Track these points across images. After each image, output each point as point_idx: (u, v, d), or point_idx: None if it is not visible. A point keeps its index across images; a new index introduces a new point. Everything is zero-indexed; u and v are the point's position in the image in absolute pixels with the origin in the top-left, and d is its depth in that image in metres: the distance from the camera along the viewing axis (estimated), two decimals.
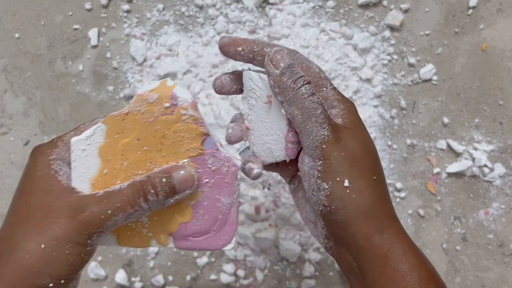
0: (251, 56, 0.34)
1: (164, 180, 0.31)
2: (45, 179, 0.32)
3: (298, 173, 0.35)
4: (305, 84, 0.31)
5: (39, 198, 0.31)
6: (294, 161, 0.35)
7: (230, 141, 0.35)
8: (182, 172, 0.32)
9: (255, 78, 0.33)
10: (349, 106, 0.34)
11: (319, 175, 0.31)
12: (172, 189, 0.32)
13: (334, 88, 0.34)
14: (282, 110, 0.32)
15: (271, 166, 0.37)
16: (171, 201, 0.32)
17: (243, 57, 0.35)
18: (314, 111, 0.31)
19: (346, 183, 0.31)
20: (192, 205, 0.33)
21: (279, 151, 0.34)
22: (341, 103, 0.34)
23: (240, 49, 0.34)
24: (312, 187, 0.32)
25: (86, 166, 0.32)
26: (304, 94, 0.31)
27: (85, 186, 0.33)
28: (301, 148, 0.33)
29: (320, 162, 0.31)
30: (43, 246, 0.30)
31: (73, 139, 0.32)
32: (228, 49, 0.35)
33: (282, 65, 0.31)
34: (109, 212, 0.31)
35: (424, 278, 0.31)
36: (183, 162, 0.32)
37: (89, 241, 0.31)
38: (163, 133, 0.32)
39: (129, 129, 0.32)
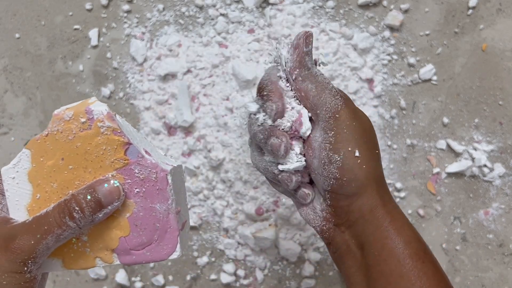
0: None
1: (89, 196, 0.31)
2: None
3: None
4: (317, 67, 0.35)
5: None
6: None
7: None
8: (106, 185, 0.31)
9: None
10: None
11: (331, 146, 0.33)
12: (98, 203, 0.31)
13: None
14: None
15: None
16: (100, 215, 0.31)
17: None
18: (327, 85, 0.33)
19: (357, 153, 0.33)
20: (128, 218, 0.32)
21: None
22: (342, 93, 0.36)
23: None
24: (323, 161, 0.33)
25: (19, 194, 0.32)
26: (317, 72, 0.34)
27: (21, 214, 0.32)
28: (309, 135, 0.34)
29: (333, 132, 0.33)
30: None
31: (2, 169, 0.32)
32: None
33: (310, 46, 0.34)
34: (38, 236, 0.30)
35: (420, 250, 0.33)
36: (111, 175, 0.32)
37: (25, 269, 0.30)
38: (85, 149, 0.32)
39: (52, 150, 0.32)
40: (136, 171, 0.32)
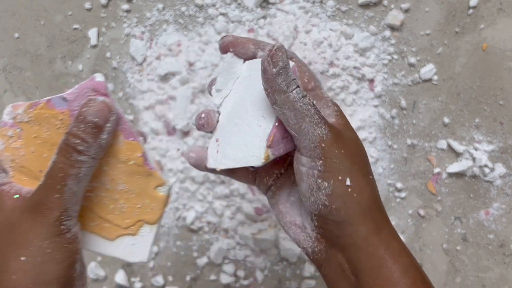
0: (250, 53, 0.34)
1: (82, 125, 0.29)
2: None
3: (272, 182, 0.35)
4: (296, 88, 0.30)
5: None
6: (268, 170, 0.35)
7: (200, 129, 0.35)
8: (91, 105, 0.30)
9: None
10: (338, 109, 0.34)
11: (320, 174, 0.30)
12: (95, 126, 0.29)
13: (321, 92, 0.35)
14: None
15: (244, 176, 0.37)
16: (105, 136, 0.30)
17: (242, 56, 0.35)
18: (308, 112, 0.30)
19: (348, 182, 0.30)
20: (141, 157, 0.30)
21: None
22: (333, 105, 0.34)
23: (240, 48, 0.34)
24: (311, 187, 0.31)
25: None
26: (295, 97, 0.30)
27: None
28: (289, 153, 0.33)
29: (321, 161, 0.30)
30: (23, 259, 0.29)
31: None
32: (227, 50, 0.35)
33: (280, 64, 0.29)
34: (58, 187, 0.29)
35: (418, 279, 0.31)
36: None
37: (62, 227, 0.29)
38: (42, 136, 0.31)
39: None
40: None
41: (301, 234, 0.34)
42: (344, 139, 0.31)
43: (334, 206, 0.31)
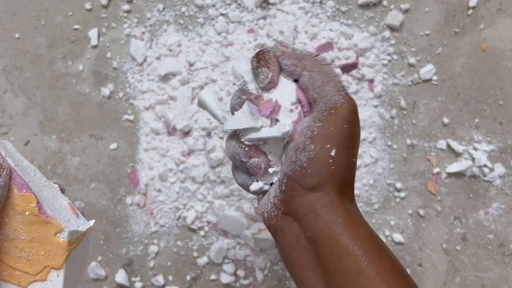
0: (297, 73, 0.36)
1: None
2: None
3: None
4: (319, 54, 0.33)
5: None
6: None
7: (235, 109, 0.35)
8: None
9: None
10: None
11: (312, 135, 0.32)
12: None
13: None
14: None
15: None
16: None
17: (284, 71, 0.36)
18: (334, 77, 0.32)
19: (333, 153, 0.31)
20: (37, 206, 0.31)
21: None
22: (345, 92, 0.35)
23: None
24: (298, 146, 0.32)
25: None
26: (322, 61, 0.32)
27: None
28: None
29: (320, 124, 0.31)
30: None
31: None
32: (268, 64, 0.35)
33: (291, 46, 0.33)
34: None
35: (375, 246, 0.32)
36: None
37: None
38: None
39: None
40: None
41: (264, 199, 0.35)
42: (352, 116, 0.32)
43: (310, 170, 0.32)
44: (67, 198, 0.33)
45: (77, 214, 0.33)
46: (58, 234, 0.31)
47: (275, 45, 0.35)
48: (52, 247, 0.31)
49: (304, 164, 0.32)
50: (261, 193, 0.36)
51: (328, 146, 0.31)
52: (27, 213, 0.31)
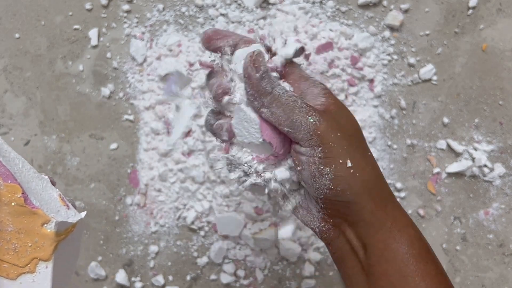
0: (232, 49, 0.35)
1: None
2: None
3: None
4: (278, 86, 0.32)
5: None
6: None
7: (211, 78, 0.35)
8: None
9: None
10: (325, 87, 0.34)
11: (321, 161, 0.31)
12: None
13: (305, 73, 0.35)
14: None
15: None
16: None
17: (224, 52, 0.35)
18: (295, 103, 0.31)
19: (349, 164, 0.31)
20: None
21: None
22: (320, 83, 0.34)
23: (221, 43, 0.35)
24: (313, 174, 0.31)
25: None
26: (279, 93, 0.31)
27: None
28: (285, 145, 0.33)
29: (320, 148, 0.31)
30: None
31: None
32: (209, 44, 0.35)
33: (262, 68, 0.31)
34: None
35: (423, 250, 0.32)
36: None
37: None
38: None
39: None
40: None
41: (308, 215, 0.35)
42: (338, 121, 0.32)
43: (339, 188, 0.31)
44: (57, 190, 0.33)
45: (68, 206, 0.33)
46: (45, 225, 0.31)
47: (250, 53, 0.34)
48: (40, 238, 0.31)
49: (331, 186, 0.31)
50: (244, 181, 0.36)
51: (341, 161, 0.31)
52: (13, 203, 0.30)
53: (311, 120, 0.31)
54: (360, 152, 0.32)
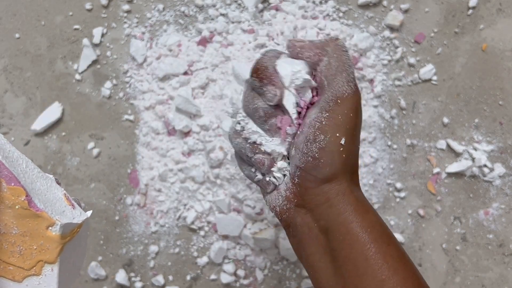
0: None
1: None
2: None
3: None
4: (338, 38, 0.34)
5: None
6: None
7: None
8: None
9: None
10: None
11: (321, 126, 0.32)
12: None
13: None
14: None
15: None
16: None
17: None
18: (349, 67, 0.33)
19: (343, 141, 0.32)
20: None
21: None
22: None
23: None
24: (308, 137, 0.33)
25: None
26: (342, 46, 0.33)
27: None
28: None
29: (327, 114, 0.32)
30: None
31: None
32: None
33: (305, 40, 0.34)
34: None
35: (384, 234, 0.33)
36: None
37: None
38: None
39: None
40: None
41: (274, 194, 0.36)
42: (356, 107, 0.33)
43: (322, 160, 0.32)
44: (62, 189, 0.33)
45: (73, 205, 0.33)
46: (50, 228, 0.31)
47: (288, 44, 0.35)
48: (45, 241, 0.31)
49: (316, 155, 0.32)
50: (269, 184, 0.37)
51: (337, 135, 0.32)
52: (17, 206, 0.30)
53: (345, 88, 0.32)
54: (354, 140, 0.34)
